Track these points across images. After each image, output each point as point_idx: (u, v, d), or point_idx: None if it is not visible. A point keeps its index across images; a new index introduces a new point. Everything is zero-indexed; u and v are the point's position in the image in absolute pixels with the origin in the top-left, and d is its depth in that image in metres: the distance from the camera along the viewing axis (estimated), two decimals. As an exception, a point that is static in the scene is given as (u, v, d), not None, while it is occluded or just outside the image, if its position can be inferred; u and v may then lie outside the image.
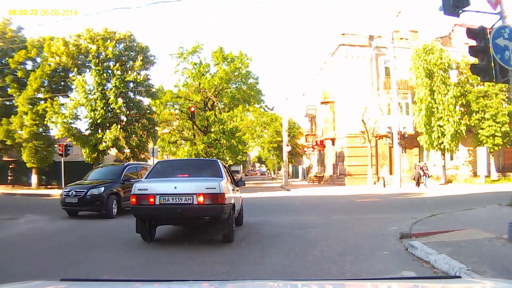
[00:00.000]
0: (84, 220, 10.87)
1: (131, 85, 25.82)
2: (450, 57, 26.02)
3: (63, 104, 25.67)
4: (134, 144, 26.09)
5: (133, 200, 6.62)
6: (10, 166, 30.08)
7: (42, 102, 25.67)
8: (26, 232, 8.66)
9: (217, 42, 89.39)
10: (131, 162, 14.05)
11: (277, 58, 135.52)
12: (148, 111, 27.38)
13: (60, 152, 24.12)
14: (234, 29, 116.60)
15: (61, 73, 26.44)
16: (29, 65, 27.23)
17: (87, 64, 26.03)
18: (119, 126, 24.93)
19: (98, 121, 24.60)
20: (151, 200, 6.48)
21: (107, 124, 24.93)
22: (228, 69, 33.01)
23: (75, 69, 25.42)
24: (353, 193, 21.15)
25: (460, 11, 7.04)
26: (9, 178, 29.68)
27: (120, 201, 11.51)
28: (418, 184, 24.43)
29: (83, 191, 11.04)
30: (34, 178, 26.72)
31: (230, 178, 8.22)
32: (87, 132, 25.49)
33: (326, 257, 5.77)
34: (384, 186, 24.97)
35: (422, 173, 24.42)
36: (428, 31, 69.44)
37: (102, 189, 11.08)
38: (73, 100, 25.33)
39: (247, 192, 17.67)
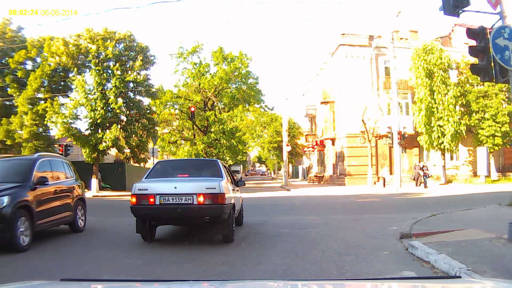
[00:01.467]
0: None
1: (131, 85, 25.78)
2: (450, 57, 25.98)
3: (63, 104, 25.65)
4: (134, 144, 26.07)
5: (133, 200, 6.62)
6: None
7: (42, 102, 25.68)
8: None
9: (217, 42, 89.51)
10: (43, 153, 8.98)
11: (277, 58, 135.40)
12: (148, 111, 27.35)
13: (60, 152, 24.08)
14: (234, 29, 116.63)
15: (61, 73, 26.44)
16: (29, 65, 27.29)
17: (87, 64, 25.99)
18: (119, 126, 24.90)
19: (98, 121, 24.57)
20: (151, 200, 6.50)
21: (107, 124, 24.90)
22: (228, 69, 33.00)
23: (75, 69, 25.39)
24: (353, 193, 21.14)
25: (460, 11, 7.02)
26: None
27: (33, 219, 6.66)
28: (418, 184, 24.42)
29: None
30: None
31: (230, 178, 8.22)
32: (87, 132, 25.46)
33: (326, 257, 5.77)
34: (384, 186, 24.97)
35: (422, 173, 24.41)
36: (428, 31, 69.50)
37: (5, 199, 6.18)
38: (73, 100, 25.29)
39: (247, 192, 17.66)
